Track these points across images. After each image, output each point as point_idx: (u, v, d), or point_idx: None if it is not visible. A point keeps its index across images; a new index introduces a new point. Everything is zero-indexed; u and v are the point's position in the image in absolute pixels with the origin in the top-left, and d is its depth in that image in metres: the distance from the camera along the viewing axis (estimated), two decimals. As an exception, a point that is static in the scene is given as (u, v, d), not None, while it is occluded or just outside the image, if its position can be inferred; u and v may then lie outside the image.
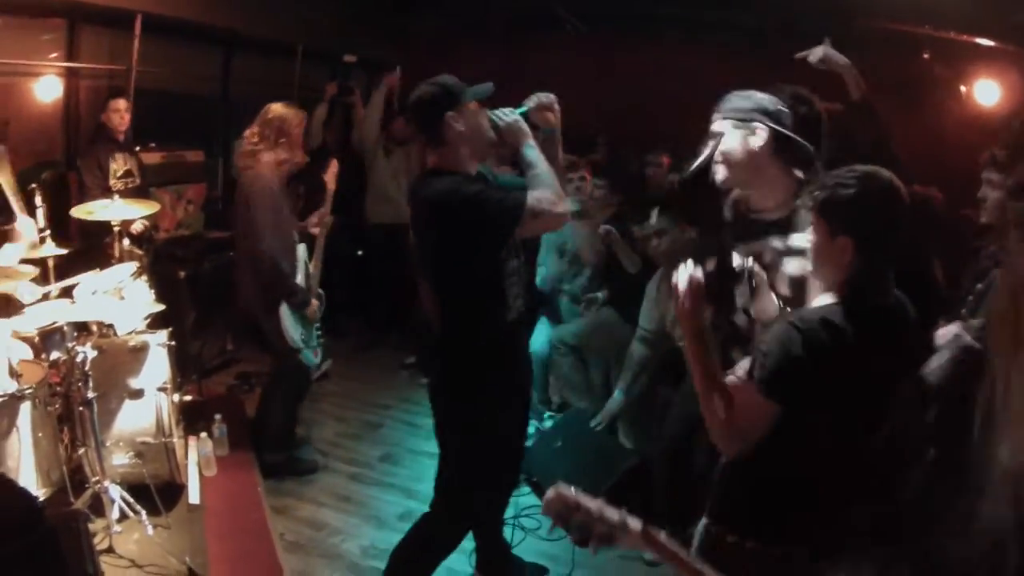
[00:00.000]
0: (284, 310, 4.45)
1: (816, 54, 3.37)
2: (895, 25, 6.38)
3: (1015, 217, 2.55)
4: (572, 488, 1.77)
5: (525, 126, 3.04)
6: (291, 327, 4.48)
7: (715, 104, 2.67)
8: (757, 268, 2.37)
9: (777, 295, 2.50)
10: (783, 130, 2.49)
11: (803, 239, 2.24)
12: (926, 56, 7.00)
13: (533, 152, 3.00)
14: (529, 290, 3.41)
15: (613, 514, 1.73)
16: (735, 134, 2.52)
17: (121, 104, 5.52)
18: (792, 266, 2.46)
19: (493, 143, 3.13)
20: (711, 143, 2.55)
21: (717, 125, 2.59)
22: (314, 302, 4.70)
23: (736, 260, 2.26)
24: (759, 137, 2.48)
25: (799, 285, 2.45)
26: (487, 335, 3.11)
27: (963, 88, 6.48)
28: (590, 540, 1.73)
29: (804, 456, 2.08)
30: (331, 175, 5.07)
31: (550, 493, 1.76)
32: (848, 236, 2.03)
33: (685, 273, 2.15)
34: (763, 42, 7.19)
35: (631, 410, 4.82)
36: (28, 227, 4.11)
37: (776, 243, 2.48)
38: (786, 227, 2.49)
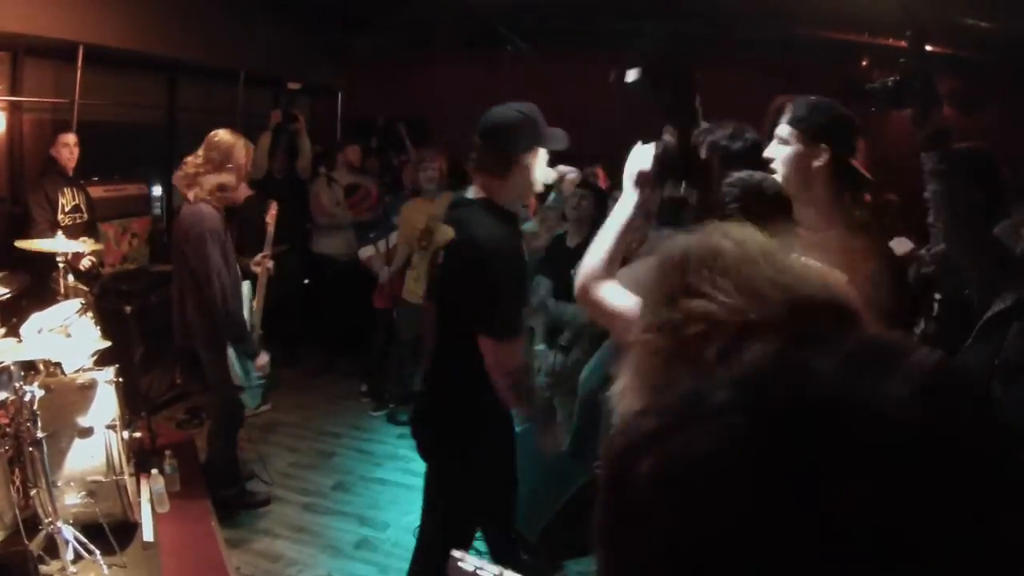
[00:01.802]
0: (231, 350, 4.43)
1: None
2: (833, 33, 6.58)
3: (929, 167, 2.61)
4: (468, 558, 1.68)
5: None
6: (236, 366, 4.45)
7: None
8: None
9: None
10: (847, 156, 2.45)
11: None
12: (865, 63, 7.26)
13: None
14: None
15: None
16: (797, 147, 2.47)
17: (71, 138, 5.48)
18: None
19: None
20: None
21: (783, 131, 2.52)
22: (263, 355, 4.66)
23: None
24: (822, 159, 2.44)
25: None
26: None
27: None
28: None
29: None
30: (271, 216, 5.06)
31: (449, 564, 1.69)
32: None
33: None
34: (704, 51, 7.40)
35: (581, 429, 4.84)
36: None
37: None
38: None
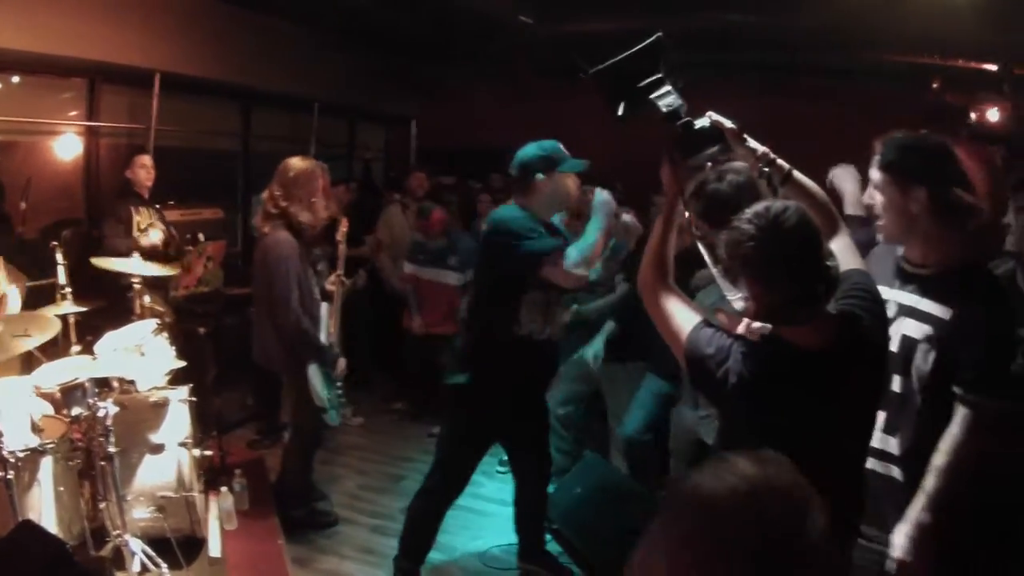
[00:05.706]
0: (312, 369, 4.40)
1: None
2: (904, 57, 6.40)
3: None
4: None
5: (607, 208, 3.64)
6: (319, 386, 4.42)
7: None
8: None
9: None
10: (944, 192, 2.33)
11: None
12: (936, 85, 7.02)
13: (596, 229, 3.56)
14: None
15: None
16: (892, 194, 2.39)
17: (147, 160, 5.58)
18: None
19: (569, 206, 3.97)
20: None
21: (875, 176, 2.45)
22: (341, 361, 4.64)
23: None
24: (919, 201, 2.34)
25: None
26: (498, 338, 3.77)
27: (973, 115, 6.50)
28: None
29: None
30: (341, 234, 5.03)
31: None
32: None
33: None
34: (780, 79, 7.26)
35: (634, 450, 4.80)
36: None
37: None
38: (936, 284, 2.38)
